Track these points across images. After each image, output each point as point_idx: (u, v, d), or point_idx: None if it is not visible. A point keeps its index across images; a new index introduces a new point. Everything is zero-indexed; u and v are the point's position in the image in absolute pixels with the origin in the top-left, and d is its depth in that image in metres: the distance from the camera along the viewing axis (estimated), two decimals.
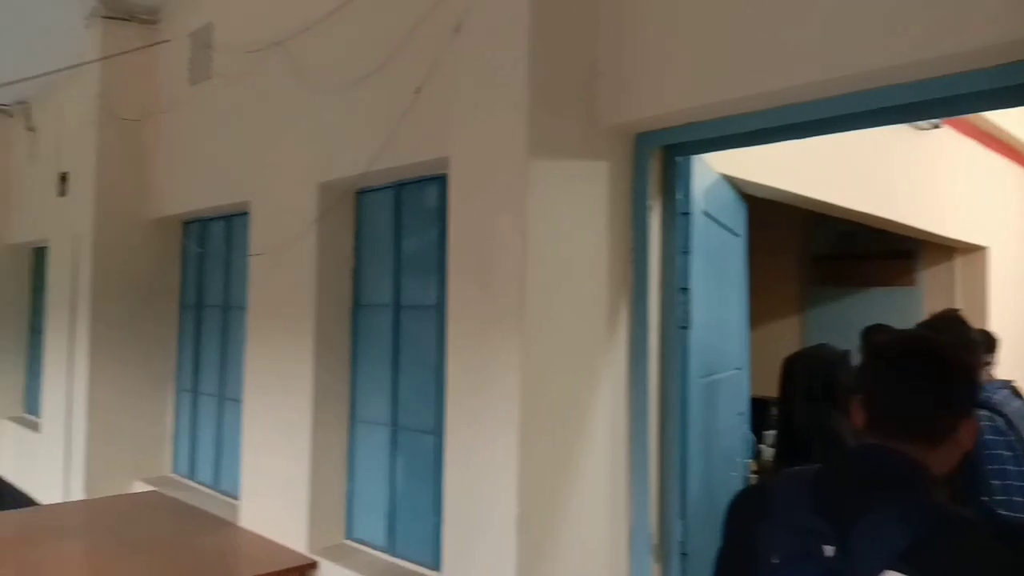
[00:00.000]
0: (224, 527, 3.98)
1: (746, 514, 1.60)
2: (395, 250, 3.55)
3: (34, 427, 6.89)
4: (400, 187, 3.52)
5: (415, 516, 3.34)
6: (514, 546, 2.20)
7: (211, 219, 4.90)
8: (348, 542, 3.61)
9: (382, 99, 3.21)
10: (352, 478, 3.66)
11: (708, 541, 2.73)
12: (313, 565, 3.41)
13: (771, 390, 3.87)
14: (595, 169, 2.54)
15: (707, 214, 2.91)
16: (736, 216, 3.46)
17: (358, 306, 3.73)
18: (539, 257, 2.29)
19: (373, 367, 3.62)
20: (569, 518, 2.38)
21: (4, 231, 7.66)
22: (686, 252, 2.69)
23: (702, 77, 2.30)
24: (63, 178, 6.29)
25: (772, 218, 4.02)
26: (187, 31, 4.82)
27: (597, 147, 2.55)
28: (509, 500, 2.22)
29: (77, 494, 4.91)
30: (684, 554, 2.63)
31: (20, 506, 6.67)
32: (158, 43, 4.99)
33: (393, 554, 3.41)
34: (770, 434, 4.73)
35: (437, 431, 3.22)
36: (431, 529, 3.22)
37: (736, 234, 3.46)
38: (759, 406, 4.28)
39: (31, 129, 7.15)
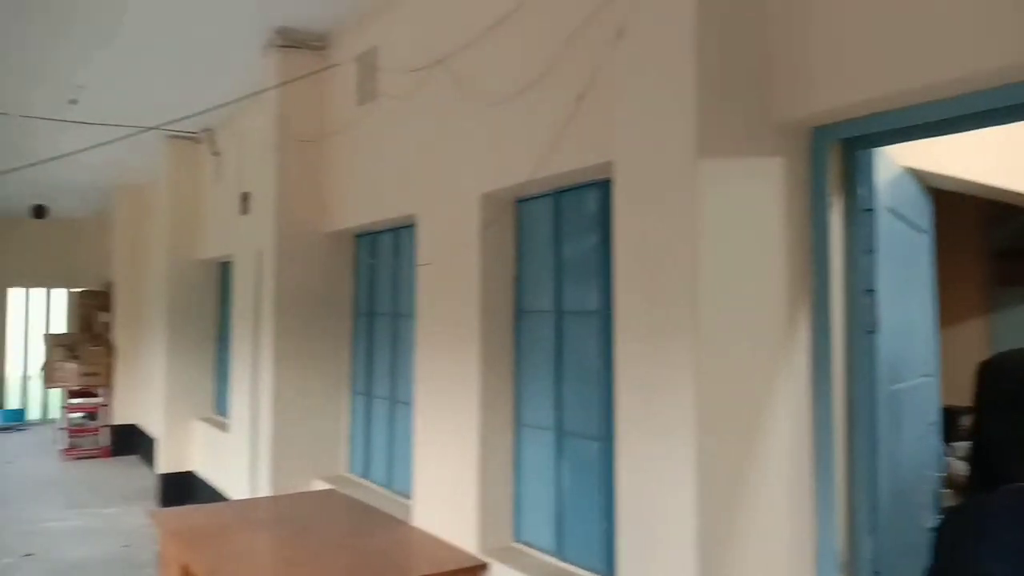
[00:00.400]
0: (398, 525, 4.16)
1: (959, 533, 1.49)
2: (555, 257, 3.58)
3: (223, 427, 7.51)
4: (559, 194, 3.55)
5: (583, 521, 3.34)
6: (693, 560, 2.15)
7: (380, 232, 5.16)
8: (516, 544, 3.67)
9: (543, 108, 3.26)
10: (518, 481, 3.72)
11: (901, 559, 2.55)
12: (484, 567, 3.49)
13: (957, 398, 3.56)
14: (768, 166, 2.44)
15: (891, 210, 2.73)
16: (921, 211, 3.22)
17: (520, 312, 3.79)
18: (711, 261, 2.23)
19: (536, 372, 3.67)
20: (749, 532, 2.29)
21: (194, 248, 8.41)
22: (870, 251, 2.53)
23: (883, 64, 2.16)
24: (245, 197, 6.84)
25: (945, 212, 3.72)
26: (354, 55, 5.10)
27: (770, 143, 2.45)
28: (686, 512, 2.17)
29: (263, 490, 5.29)
30: (876, 573, 2.46)
31: (212, 500, 7.30)
32: (327, 68, 5.31)
33: (562, 558, 3.43)
34: (960, 446, 4.35)
35: (603, 437, 3.21)
36: (601, 535, 3.21)
37: (922, 230, 3.22)
38: (945, 416, 3.96)
39: (216, 153, 7.82)
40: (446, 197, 3.99)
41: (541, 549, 3.55)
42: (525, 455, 3.71)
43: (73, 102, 6.75)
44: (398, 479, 4.79)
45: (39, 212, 11.73)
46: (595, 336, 3.30)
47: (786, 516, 2.40)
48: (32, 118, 7.12)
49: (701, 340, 2.19)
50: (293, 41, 5.36)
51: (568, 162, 3.10)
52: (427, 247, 4.13)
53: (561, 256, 3.55)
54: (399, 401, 4.85)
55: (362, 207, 4.99)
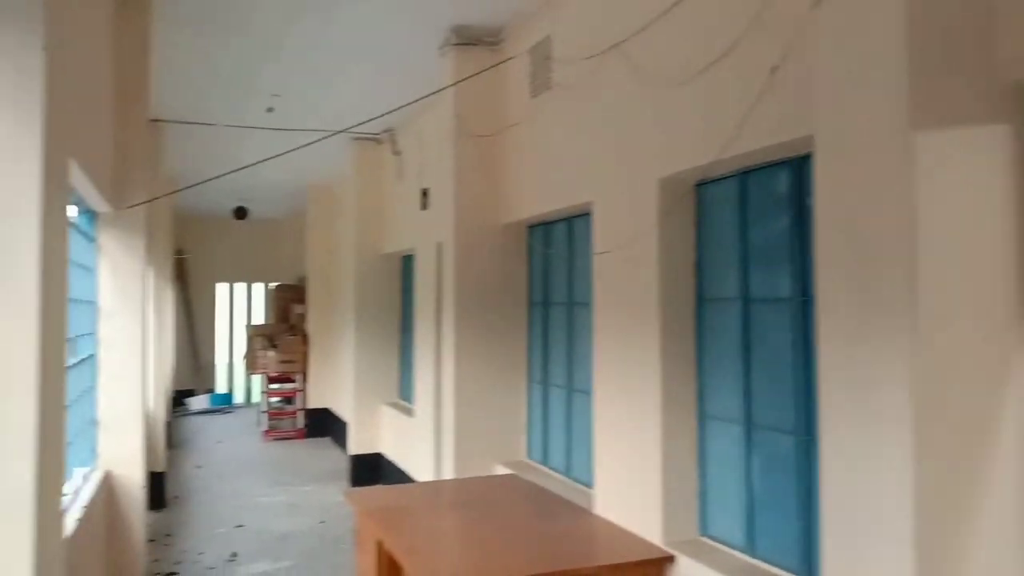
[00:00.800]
0: (579, 513, 4.17)
1: None
2: (740, 241, 3.43)
3: (408, 412, 7.90)
4: (744, 175, 3.40)
5: (777, 518, 3.19)
6: (911, 561, 1.98)
7: (553, 222, 5.19)
8: (702, 538, 3.57)
9: (728, 86, 3.12)
10: (703, 474, 3.61)
11: None
12: (671, 559, 3.42)
13: None
14: (993, 134, 2.19)
15: None
16: None
17: (702, 300, 3.67)
18: (930, 240, 2.03)
19: (720, 362, 3.54)
20: (972, 534, 2.08)
21: (379, 242, 8.89)
22: None
23: None
24: (425, 193, 7.13)
25: None
26: (527, 47, 5.15)
27: (995, 108, 2.19)
28: (903, 511, 2.00)
29: (447, 473, 5.50)
30: None
31: (399, 481, 7.70)
32: (502, 62, 5.40)
33: (752, 555, 3.29)
34: None
35: (800, 431, 3.04)
36: (797, 533, 3.05)
37: None
38: None
39: (397, 153, 8.21)
40: (623, 183, 3.94)
41: (729, 544, 3.43)
42: (710, 447, 3.59)
43: (270, 111, 7.32)
44: (577, 467, 4.81)
45: (241, 213, 12.86)
46: (788, 325, 3.13)
47: (1014, 518, 2.15)
48: (235, 127, 7.82)
49: (919, 325, 2.01)
50: (468, 38, 5.49)
51: (758, 140, 2.96)
52: (604, 235, 4.10)
53: (747, 240, 3.40)
54: (576, 390, 4.86)
55: (536, 198, 5.03)
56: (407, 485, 6.64)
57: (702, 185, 3.64)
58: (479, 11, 5.19)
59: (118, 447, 4.58)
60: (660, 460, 3.58)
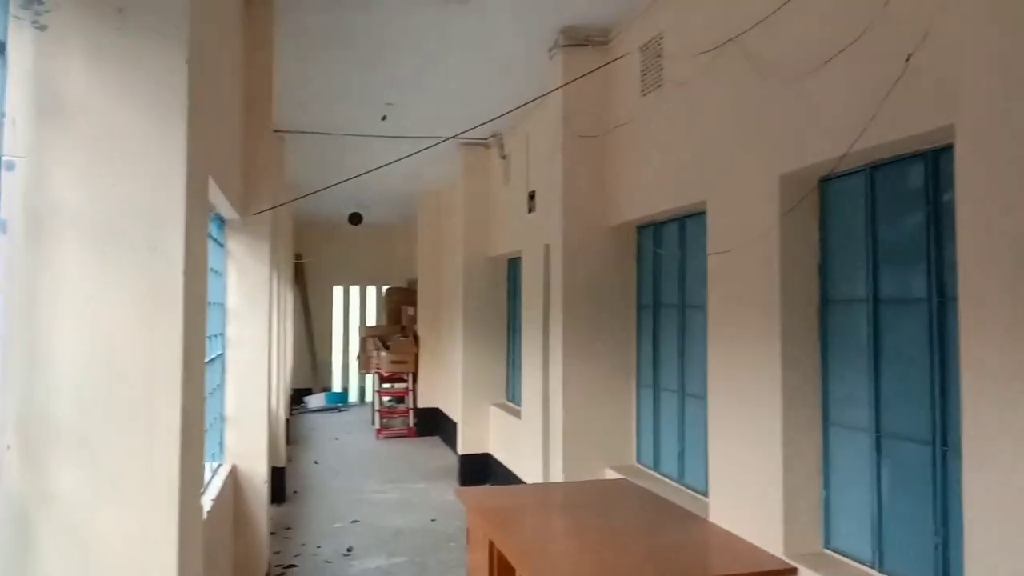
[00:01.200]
0: (694, 520, 4.07)
1: None
2: (869, 240, 3.25)
3: (516, 413, 7.95)
4: (873, 170, 3.22)
5: (908, 532, 3.00)
6: None
7: (664, 222, 5.09)
8: (827, 551, 3.41)
9: (856, 77, 2.97)
10: (828, 484, 3.45)
11: None
12: (793, 572, 3.28)
13: None
14: None
15: None
16: None
17: (826, 302, 3.50)
18: None
19: (847, 367, 3.37)
20: None
21: (486, 245, 9.00)
22: None
23: None
24: (532, 196, 7.16)
25: None
26: (637, 46, 5.08)
27: None
28: None
29: (556, 476, 5.49)
30: None
31: (507, 481, 7.76)
32: (611, 62, 5.35)
33: (881, 570, 3.12)
34: None
35: (936, 441, 2.85)
36: (930, 548, 2.86)
37: None
38: None
39: (504, 157, 8.28)
40: (740, 181, 3.82)
41: (855, 558, 3.26)
42: (836, 456, 3.42)
43: (384, 119, 7.54)
44: (691, 473, 4.70)
45: (355, 219, 13.31)
46: (924, 327, 2.94)
47: None
48: (351, 136, 8.10)
49: None
50: (577, 39, 5.47)
51: (890, 132, 2.79)
52: (719, 235, 3.99)
53: (876, 239, 3.22)
54: (689, 394, 4.75)
55: (646, 198, 4.95)
56: (517, 486, 6.68)
57: (826, 181, 3.48)
58: (589, 12, 5.16)
59: (244, 442, 4.82)
60: (781, 468, 3.44)
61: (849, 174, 3.34)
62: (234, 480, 4.76)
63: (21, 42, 1.75)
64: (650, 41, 4.91)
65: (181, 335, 1.81)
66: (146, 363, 1.79)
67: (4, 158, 1.74)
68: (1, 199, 1.73)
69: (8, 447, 1.72)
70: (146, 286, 1.80)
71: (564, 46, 5.49)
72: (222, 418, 4.84)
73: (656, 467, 5.15)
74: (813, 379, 3.51)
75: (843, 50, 3.02)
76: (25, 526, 1.73)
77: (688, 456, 4.76)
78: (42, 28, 1.77)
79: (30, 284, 1.74)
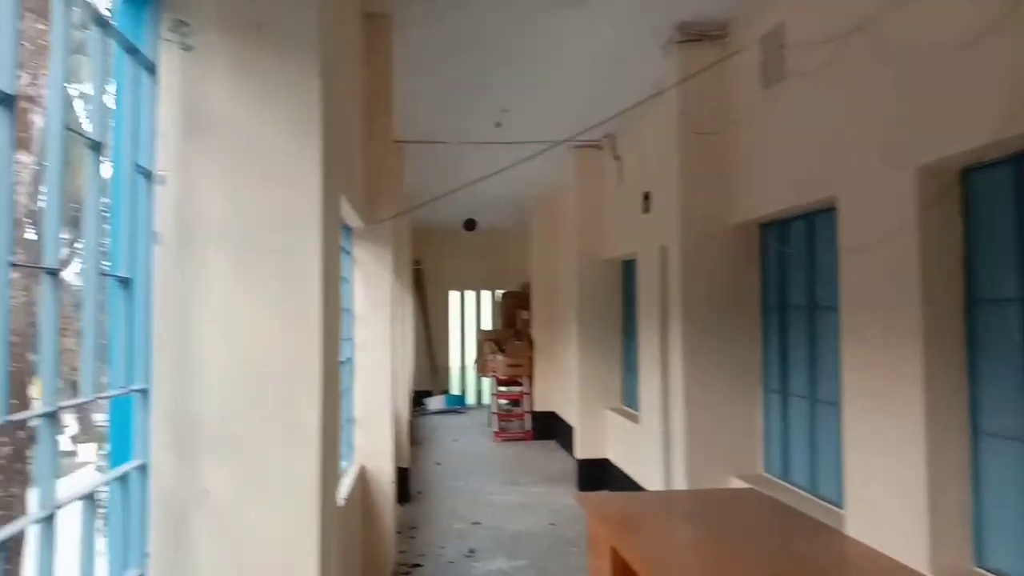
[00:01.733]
0: (827, 532, 3.85)
1: None
2: (1020, 232, 3.00)
3: (633, 418, 7.83)
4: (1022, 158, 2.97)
5: None
6: None
7: (790, 219, 4.88)
8: (978, 570, 3.16)
9: (1007, 56, 2.74)
10: (978, 497, 3.19)
11: None
12: None
13: None
14: None
15: None
16: None
17: (974, 301, 3.25)
18: None
19: (1000, 371, 3.11)
20: None
21: (600, 248, 8.93)
22: None
23: None
24: (647, 197, 7.05)
25: None
26: (756, 37, 4.90)
27: None
28: None
29: (678, 483, 5.36)
30: None
31: (626, 487, 7.66)
32: (730, 55, 5.19)
33: None
34: None
35: None
36: None
37: None
38: None
39: (617, 158, 8.20)
40: (874, 174, 3.60)
41: None
42: (988, 468, 3.17)
43: (498, 125, 7.62)
44: (824, 483, 4.47)
45: (470, 225, 13.53)
46: None
47: None
48: (466, 143, 8.23)
49: None
50: (693, 34, 5.35)
51: None
52: (851, 231, 3.78)
53: None
54: (821, 400, 4.52)
55: (770, 195, 4.77)
56: (638, 493, 6.58)
57: (970, 171, 3.24)
58: (705, 6, 5.03)
59: (371, 443, 4.97)
60: (925, 480, 3.21)
61: (996, 164, 3.09)
62: (363, 480, 4.92)
63: (170, 63, 1.88)
64: (770, 32, 4.73)
65: (320, 340, 1.88)
66: (287, 367, 1.88)
67: (157, 173, 1.86)
68: (155, 211, 1.85)
69: (163, 446, 1.84)
70: (285, 293, 1.89)
71: (679, 42, 5.37)
72: (351, 420, 5.01)
73: (786, 476, 4.94)
74: (959, 384, 3.26)
75: (990, 28, 2.80)
76: (180, 520, 1.85)
77: (821, 465, 4.53)
78: (188, 49, 1.89)
79: (180, 291, 1.86)
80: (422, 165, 9.39)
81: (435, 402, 15.36)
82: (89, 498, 1.60)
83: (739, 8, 5.02)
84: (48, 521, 1.42)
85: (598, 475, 8.71)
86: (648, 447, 6.54)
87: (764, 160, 4.85)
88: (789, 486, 4.84)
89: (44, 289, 1.46)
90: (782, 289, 5.05)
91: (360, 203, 4.54)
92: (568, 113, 7.26)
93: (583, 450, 8.90)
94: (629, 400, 8.53)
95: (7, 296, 1.30)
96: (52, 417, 1.44)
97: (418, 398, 14.96)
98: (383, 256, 5.14)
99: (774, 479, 5.03)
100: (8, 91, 1.28)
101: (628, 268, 8.55)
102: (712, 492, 4.94)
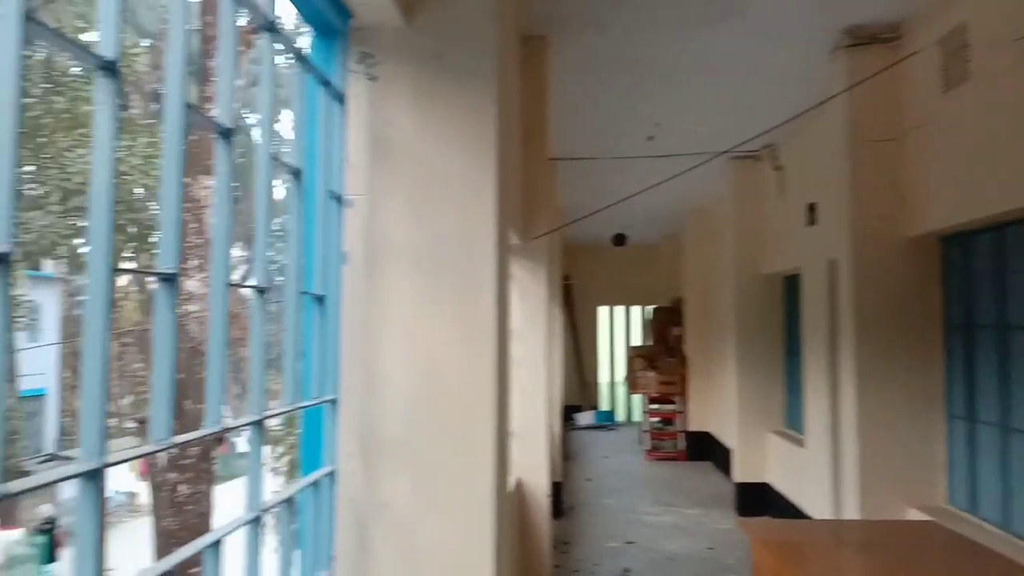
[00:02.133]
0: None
1: None
2: None
3: (797, 442, 7.45)
4: None
5: None
6: None
7: (976, 231, 4.50)
8: None
9: None
10: None
11: None
12: None
13: None
14: None
15: None
16: None
17: None
18: None
19: None
20: None
21: (759, 262, 8.60)
22: None
23: None
24: (811, 208, 6.72)
25: None
26: (934, 39, 4.57)
27: None
28: None
29: (849, 512, 5.04)
30: None
31: (788, 514, 7.29)
32: (905, 58, 4.87)
33: None
34: None
35: None
36: None
37: None
38: None
39: (778, 168, 7.88)
40: None
41: None
42: None
43: (650, 139, 7.54)
44: (1019, 519, 4.06)
45: (619, 240, 13.44)
46: None
47: None
48: (617, 159, 8.20)
49: None
50: (862, 38, 5.06)
51: None
52: None
53: None
54: (1015, 429, 4.12)
55: (953, 205, 4.41)
56: (806, 521, 6.25)
57: None
58: (876, 9, 4.76)
59: (527, 457, 5.03)
60: None
61: None
62: (520, 493, 4.99)
63: (357, 92, 2.01)
64: (951, 32, 4.39)
65: (494, 357, 1.94)
66: (463, 383, 1.95)
67: (346, 197, 1.99)
68: (344, 233, 1.98)
69: (350, 455, 1.95)
70: (462, 311, 1.96)
71: (847, 47, 5.11)
72: (509, 433, 5.10)
73: (974, 510, 4.52)
74: None
75: None
76: (362, 526, 1.95)
77: (1016, 499, 4.12)
78: (373, 79, 2.01)
79: (366, 308, 1.98)
80: (572, 181, 9.44)
81: (584, 417, 15.32)
82: (288, 502, 1.73)
83: (913, 9, 4.71)
84: (256, 523, 1.54)
85: (758, 500, 8.35)
86: (815, 473, 6.20)
87: (946, 168, 4.51)
88: (977, 520, 4.43)
89: (252, 305, 1.60)
90: (967, 307, 4.66)
91: (517, 221, 4.63)
92: (724, 124, 7.08)
93: (742, 473, 8.56)
94: (792, 422, 8.13)
95: (226, 310, 1.44)
96: (259, 425, 1.57)
97: (567, 413, 14.99)
98: (538, 272, 5.21)
99: (959, 512, 4.62)
100: (228, 124, 1.42)
101: (791, 283, 8.19)
102: (888, 524, 4.61)
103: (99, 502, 1.08)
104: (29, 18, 0.94)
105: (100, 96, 1.09)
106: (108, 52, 1.09)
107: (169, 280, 1.23)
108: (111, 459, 1.09)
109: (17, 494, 0.96)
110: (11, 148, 0.92)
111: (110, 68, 1.09)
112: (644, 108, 6.74)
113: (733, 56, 5.50)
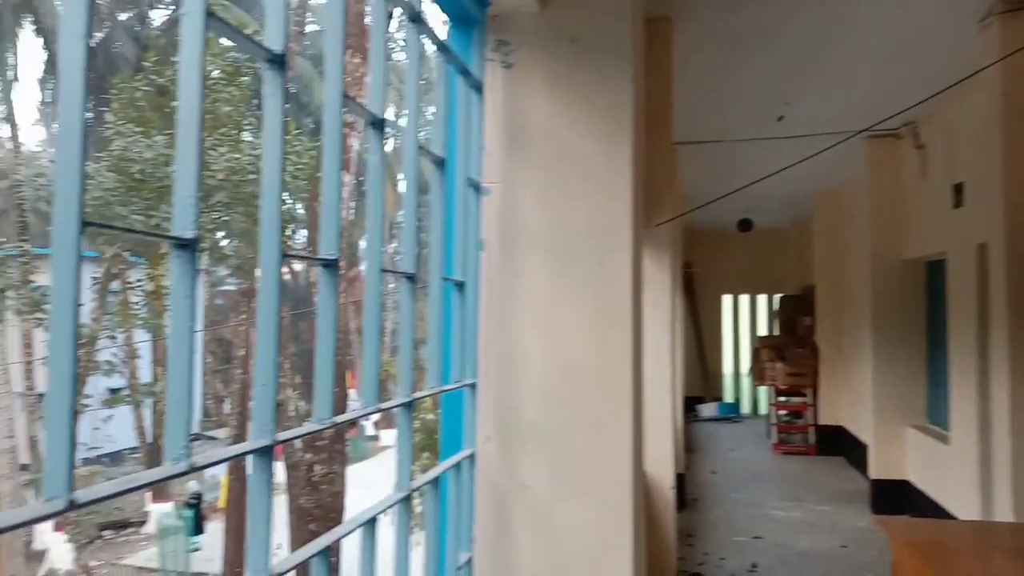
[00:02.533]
0: None
1: None
2: None
3: (941, 438, 7.01)
4: None
5: None
6: None
7: None
8: None
9: None
10: None
11: None
12: None
13: None
14: None
15: None
16: None
17: None
18: None
19: None
20: None
21: (898, 247, 8.10)
22: None
23: None
24: (958, 189, 6.27)
25: None
26: None
27: None
28: None
29: (1001, 514, 4.71)
30: None
31: (929, 513, 6.87)
32: None
33: None
34: None
35: None
36: None
37: None
38: None
39: (919, 147, 7.40)
40: None
41: None
42: None
43: (780, 119, 7.25)
44: None
45: (745, 226, 13.01)
46: None
47: None
48: (743, 141, 7.93)
49: None
50: (1017, 3, 4.67)
51: None
52: None
53: None
54: None
55: None
56: (951, 521, 5.89)
57: None
58: None
59: (652, 448, 4.97)
60: None
61: None
62: (645, 484, 4.94)
63: (493, 80, 2.04)
64: None
65: (631, 344, 1.93)
66: (600, 369, 1.95)
67: (483, 185, 2.03)
68: (482, 221, 2.02)
69: (488, 438, 2.00)
70: (598, 298, 1.96)
71: (1000, 13, 4.72)
72: None
73: None
74: None
75: None
76: (501, 509, 1.99)
77: None
78: (509, 66, 2.03)
79: (503, 294, 2.01)
80: (696, 165, 9.20)
81: (707, 409, 14.99)
82: (435, 483, 1.79)
83: None
84: (406, 501, 1.60)
85: (896, 498, 7.90)
86: (961, 471, 5.82)
87: None
88: None
89: (402, 292, 1.66)
90: None
91: (642, 207, 4.57)
92: (860, 101, 6.70)
93: (878, 469, 8.13)
94: (935, 417, 7.65)
95: (380, 295, 1.50)
96: (409, 407, 1.63)
97: (689, 404, 14.71)
98: (662, 260, 5.13)
99: None
100: (378, 115, 1.48)
101: (934, 269, 7.68)
102: None
103: (270, 476, 1.16)
104: (210, 14, 1.01)
105: (268, 89, 1.16)
106: (276, 46, 1.15)
107: (330, 266, 1.30)
108: (280, 437, 1.16)
109: (201, 467, 1.04)
110: (196, 138, 0.99)
111: (278, 61, 1.15)
112: (774, 87, 6.49)
113: (873, 27, 5.20)
